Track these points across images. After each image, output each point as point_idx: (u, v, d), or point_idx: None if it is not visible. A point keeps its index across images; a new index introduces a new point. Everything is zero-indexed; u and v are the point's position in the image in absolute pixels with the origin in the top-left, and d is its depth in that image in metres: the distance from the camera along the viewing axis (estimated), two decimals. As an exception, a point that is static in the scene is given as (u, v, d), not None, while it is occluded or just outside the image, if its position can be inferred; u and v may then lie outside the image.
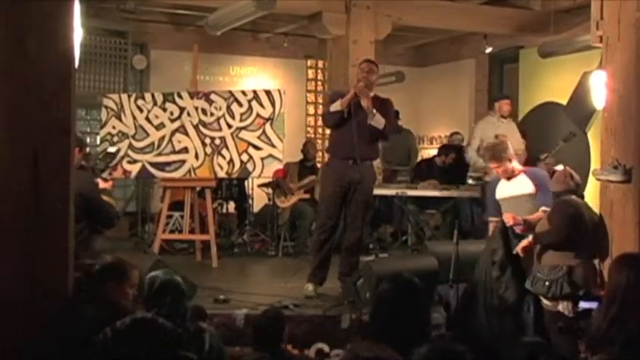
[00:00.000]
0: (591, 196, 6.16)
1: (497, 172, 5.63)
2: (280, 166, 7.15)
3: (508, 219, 5.32)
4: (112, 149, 6.79)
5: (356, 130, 5.81)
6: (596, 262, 4.94)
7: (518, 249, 5.17)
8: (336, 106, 5.88)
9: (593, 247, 4.88)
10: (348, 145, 5.87)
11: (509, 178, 5.60)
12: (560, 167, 5.28)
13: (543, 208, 5.39)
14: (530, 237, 5.06)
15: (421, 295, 3.14)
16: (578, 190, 5.11)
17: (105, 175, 5.37)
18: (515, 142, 7.16)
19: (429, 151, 12.39)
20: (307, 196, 8.66)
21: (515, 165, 5.64)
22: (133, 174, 7.43)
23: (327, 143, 7.64)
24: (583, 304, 4.31)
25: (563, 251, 4.84)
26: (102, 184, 5.02)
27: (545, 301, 4.91)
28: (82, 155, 5.03)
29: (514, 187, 5.58)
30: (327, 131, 7.51)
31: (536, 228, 5.11)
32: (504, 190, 5.64)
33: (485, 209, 5.90)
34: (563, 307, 4.76)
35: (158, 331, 2.52)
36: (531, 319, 5.43)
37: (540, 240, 4.96)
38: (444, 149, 9.63)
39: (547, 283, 4.78)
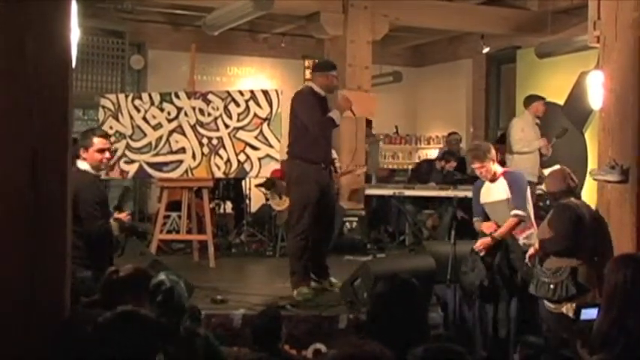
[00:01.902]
0: (588, 196, 6.17)
1: (481, 173, 5.62)
2: (277, 166, 7.13)
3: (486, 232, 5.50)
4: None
5: (327, 135, 6.03)
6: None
7: (527, 258, 5.12)
8: (337, 117, 5.92)
9: (595, 246, 4.81)
10: (323, 149, 6.00)
11: (492, 180, 5.61)
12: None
13: (514, 212, 5.40)
14: (537, 244, 5.00)
15: (418, 295, 3.15)
16: (576, 190, 5.08)
17: (101, 174, 5.34)
18: None
19: (427, 151, 12.43)
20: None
21: (497, 167, 5.65)
22: (131, 174, 7.41)
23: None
24: (584, 313, 4.29)
25: (568, 255, 4.79)
26: (119, 215, 4.98)
27: (548, 304, 4.86)
28: (108, 159, 5.03)
29: (494, 192, 5.62)
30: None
31: (538, 234, 5.08)
32: (485, 195, 5.68)
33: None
34: (567, 308, 4.71)
35: (140, 323, 2.51)
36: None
37: (547, 248, 4.88)
38: (446, 155, 9.60)
39: (552, 286, 4.73)
